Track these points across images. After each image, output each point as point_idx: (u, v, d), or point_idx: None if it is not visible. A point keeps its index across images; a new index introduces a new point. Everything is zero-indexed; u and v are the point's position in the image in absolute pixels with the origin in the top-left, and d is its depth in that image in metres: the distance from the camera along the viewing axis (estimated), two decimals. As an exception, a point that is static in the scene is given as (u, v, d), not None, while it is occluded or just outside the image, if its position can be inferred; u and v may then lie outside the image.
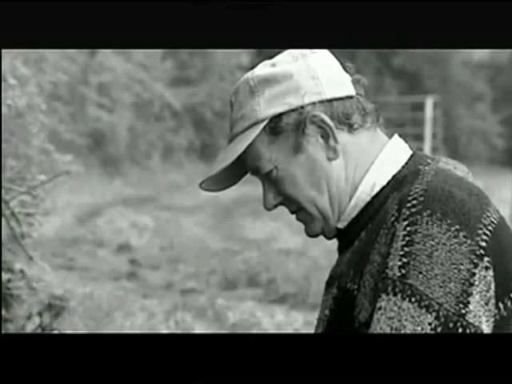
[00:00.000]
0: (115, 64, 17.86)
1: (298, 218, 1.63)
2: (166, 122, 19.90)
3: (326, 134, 1.56)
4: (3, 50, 4.15)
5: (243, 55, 20.73)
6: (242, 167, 1.62)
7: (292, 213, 1.63)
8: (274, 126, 1.56)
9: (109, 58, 17.69)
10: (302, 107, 1.55)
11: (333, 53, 1.62)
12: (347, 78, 1.59)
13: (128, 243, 10.04)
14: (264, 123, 1.56)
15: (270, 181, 1.59)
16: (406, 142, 1.63)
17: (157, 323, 6.10)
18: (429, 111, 20.26)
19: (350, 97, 1.57)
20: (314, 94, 1.55)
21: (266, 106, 1.56)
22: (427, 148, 19.56)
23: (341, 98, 1.56)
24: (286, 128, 1.55)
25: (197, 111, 20.55)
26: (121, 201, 13.63)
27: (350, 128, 1.57)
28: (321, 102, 1.55)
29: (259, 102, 1.56)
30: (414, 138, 20.97)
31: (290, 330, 5.98)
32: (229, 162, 1.57)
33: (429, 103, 20.32)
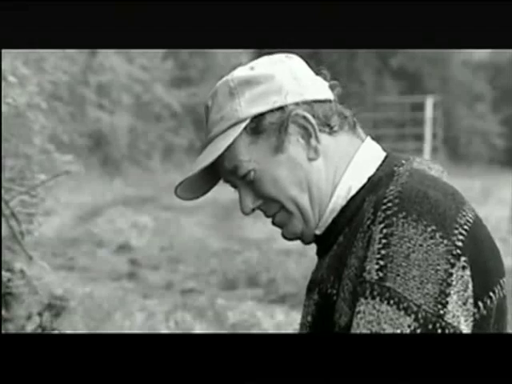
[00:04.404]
0: (115, 64, 17.85)
1: (274, 223, 1.61)
2: (166, 122, 19.89)
3: (307, 134, 1.56)
4: (3, 50, 4.15)
5: (243, 55, 20.70)
6: (215, 174, 1.61)
7: (268, 217, 1.61)
8: (256, 125, 1.55)
9: (109, 58, 17.68)
10: (286, 106, 1.55)
11: (304, 58, 1.63)
12: (324, 83, 1.61)
13: (128, 243, 10.03)
14: (245, 123, 1.56)
15: (248, 183, 1.58)
16: (378, 143, 1.63)
17: (157, 323, 6.10)
18: (429, 111, 20.27)
19: (329, 100, 1.59)
20: (297, 95, 1.56)
21: (248, 106, 1.56)
22: (427, 148, 19.57)
23: (321, 101, 1.57)
24: (268, 127, 1.55)
25: (197, 111, 20.54)
26: (121, 201, 13.62)
27: (331, 130, 1.57)
28: (303, 102, 1.56)
29: (240, 102, 1.56)
30: (413, 138, 21.00)
31: (290, 330, 5.97)
32: (209, 161, 1.56)
33: (429, 103, 20.34)
